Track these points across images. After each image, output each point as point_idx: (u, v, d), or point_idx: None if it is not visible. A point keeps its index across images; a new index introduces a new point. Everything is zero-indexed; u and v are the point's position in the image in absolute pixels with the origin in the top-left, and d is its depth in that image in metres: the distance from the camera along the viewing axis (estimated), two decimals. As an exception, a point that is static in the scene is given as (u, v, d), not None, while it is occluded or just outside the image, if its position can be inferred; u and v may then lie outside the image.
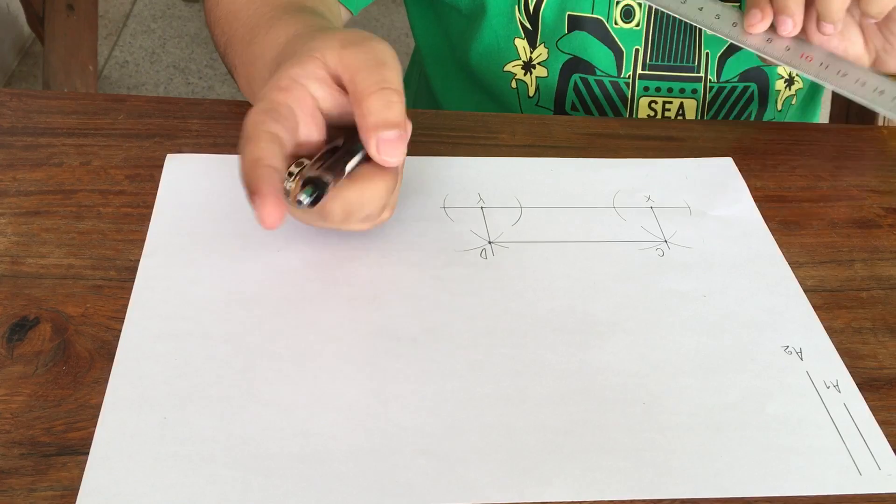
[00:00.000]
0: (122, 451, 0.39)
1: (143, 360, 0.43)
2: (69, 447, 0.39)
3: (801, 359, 0.46)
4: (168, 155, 0.55)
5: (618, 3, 0.66)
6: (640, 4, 0.65)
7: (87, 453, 0.39)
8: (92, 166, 0.53)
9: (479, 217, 0.53)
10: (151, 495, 0.38)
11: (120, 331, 0.44)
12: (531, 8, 0.67)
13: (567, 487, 0.40)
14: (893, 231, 0.54)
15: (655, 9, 0.64)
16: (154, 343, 0.44)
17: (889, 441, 0.43)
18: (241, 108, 0.59)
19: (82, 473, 0.38)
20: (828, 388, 0.45)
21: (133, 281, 0.47)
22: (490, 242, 0.52)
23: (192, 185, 0.53)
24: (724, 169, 0.59)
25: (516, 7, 0.67)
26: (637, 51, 0.68)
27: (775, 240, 0.54)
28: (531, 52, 0.69)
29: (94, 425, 0.40)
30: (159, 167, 0.54)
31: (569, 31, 0.68)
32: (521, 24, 0.68)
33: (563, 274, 0.50)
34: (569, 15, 0.67)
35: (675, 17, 0.64)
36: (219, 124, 0.58)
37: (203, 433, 0.40)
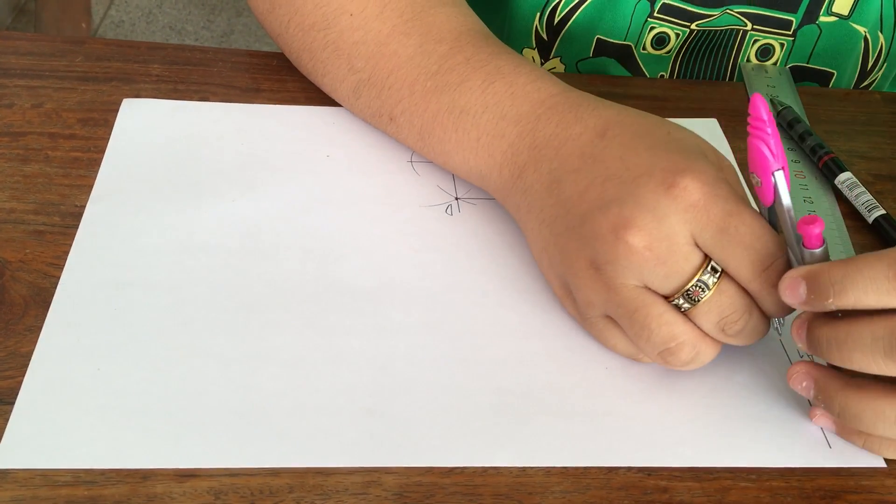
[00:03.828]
0: (51, 401, 0.37)
1: (80, 309, 0.41)
2: (-5, 396, 0.37)
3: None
4: (125, 99, 0.52)
5: (651, 28, 0.61)
6: (677, 34, 0.61)
7: (14, 403, 0.37)
8: (44, 109, 0.51)
9: (446, 172, 0.51)
10: (78, 448, 0.36)
11: (59, 278, 0.42)
12: (555, 20, 0.62)
13: (518, 453, 0.38)
14: (881, 198, 0.51)
15: (694, 37, 0.61)
16: (93, 291, 0.42)
17: (862, 413, 0.41)
18: (204, 55, 0.56)
19: (7, 424, 0.36)
20: (801, 357, 0.43)
21: (77, 227, 0.44)
22: (457, 198, 0.49)
23: (148, 131, 0.51)
24: (708, 130, 0.56)
25: (538, 14, 0.63)
26: (662, 77, 0.64)
27: (757, 203, 0.51)
28: (541, 64, 0.65)
29: (24, 374, 0.38)
30: (115, 112, 0.51)
31: (594, 55, 0.63)
32: (537, 31, 0.63)
33: (532, 232, 0.48)
34: (598, 39, 0.63)
35: (711, 46, 0.62)
36: (181, 69, 0.55)
37: (137, 385, 0.38)
